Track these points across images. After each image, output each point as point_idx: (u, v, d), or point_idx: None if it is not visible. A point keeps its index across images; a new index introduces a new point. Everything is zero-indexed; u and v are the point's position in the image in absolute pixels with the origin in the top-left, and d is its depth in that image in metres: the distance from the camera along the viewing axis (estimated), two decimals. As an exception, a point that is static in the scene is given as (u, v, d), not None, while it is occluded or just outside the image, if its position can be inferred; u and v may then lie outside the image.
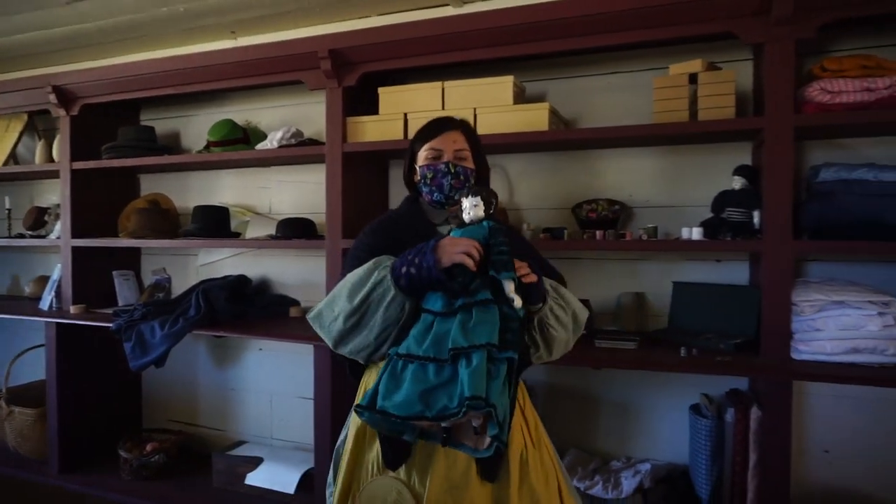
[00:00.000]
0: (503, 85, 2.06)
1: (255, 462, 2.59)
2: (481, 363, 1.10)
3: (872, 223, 1.73)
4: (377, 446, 1.35)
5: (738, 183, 1.95)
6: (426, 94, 2.16)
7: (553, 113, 2.07)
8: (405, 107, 2.19)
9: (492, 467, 1.30)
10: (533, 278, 1.23)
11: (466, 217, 1.27)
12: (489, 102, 2.07)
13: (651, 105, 1.92)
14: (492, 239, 1.23)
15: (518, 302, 1.18)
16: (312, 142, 2.43)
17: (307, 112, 2.70)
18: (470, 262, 1.19)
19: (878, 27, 1.91)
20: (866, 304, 1.71)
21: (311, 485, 2.38)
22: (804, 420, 2.03)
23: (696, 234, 1.91)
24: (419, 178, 1.50)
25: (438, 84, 2.14)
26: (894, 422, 1.95)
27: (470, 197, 1.27)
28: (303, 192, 2.74)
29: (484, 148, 1.55)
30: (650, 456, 2.21)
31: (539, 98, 2.31)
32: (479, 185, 1.52)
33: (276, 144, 2.41)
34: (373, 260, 1.30)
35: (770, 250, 1.76)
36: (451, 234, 1.28)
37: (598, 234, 2.03)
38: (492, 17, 1.96)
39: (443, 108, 2.13)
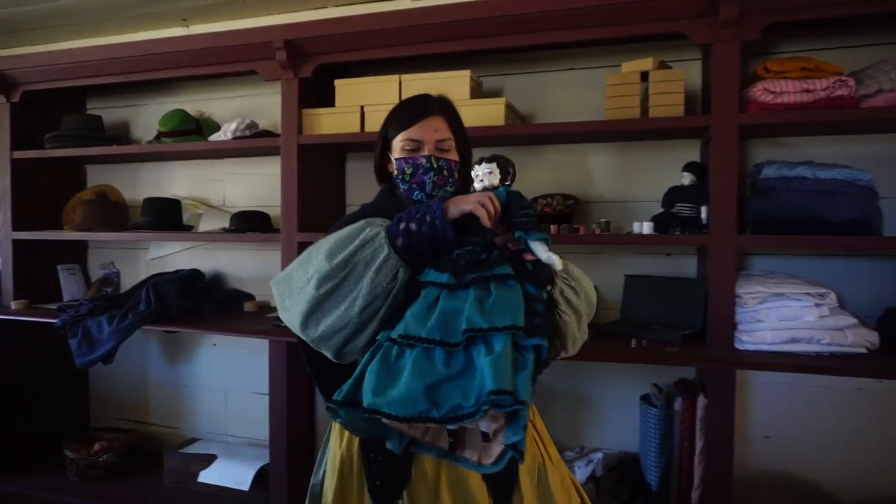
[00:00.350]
0: (460, 79, 2.07)
1: (209, 459, 2.54)
2: (506, 349, 0.88)
3: (810, 219, 1.81)
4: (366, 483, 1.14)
5: (687, 179, 2.01)
6: (383, 87, 2.15)
7: (509, 108, 2.09)
8: (362, 99, 2.17)
9: (506, 489, 1.13)
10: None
11: (479, 185, 1.12)
12: (447, 96, 2.07)
13: (605, 101, 1.96)
14: (512, 203, 1.02)
15: (559, 263, 0.95)
16: (267, 133, 2.39)
17: (262, 103, 2.65)
18: (483, 213, 0.97)
19: (816, 30, 1.99)
20: (804, 296, 1.79)
21: (266, 481, 2.35)
22: (747, 407, 2.12)
23: (646, 228, 1.96)
24: (396, 171, 1.29)
25: (395, 77, 2.13)
26: (829, 408, 2.05)
27: (483, 164, 1.13)
28: (257, 184, 2.69)
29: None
30: (603, 445, 2.27)
31: (496, 93, 2.33)
32: (463, 179, 1.35)
33: (229, 136, 2.36)
34: (363, 220, 1.05)
35: (715, 244, 1.82)
36: None
37: (553, 228, 2.06)
38: (449, 11, 1.97)
39: (400, 102, 2.13)
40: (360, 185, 2.53)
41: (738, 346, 1.82)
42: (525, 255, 1.00)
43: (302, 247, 2.21)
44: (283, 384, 2.23)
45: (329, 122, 2.21)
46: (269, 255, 2.68)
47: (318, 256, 1.01)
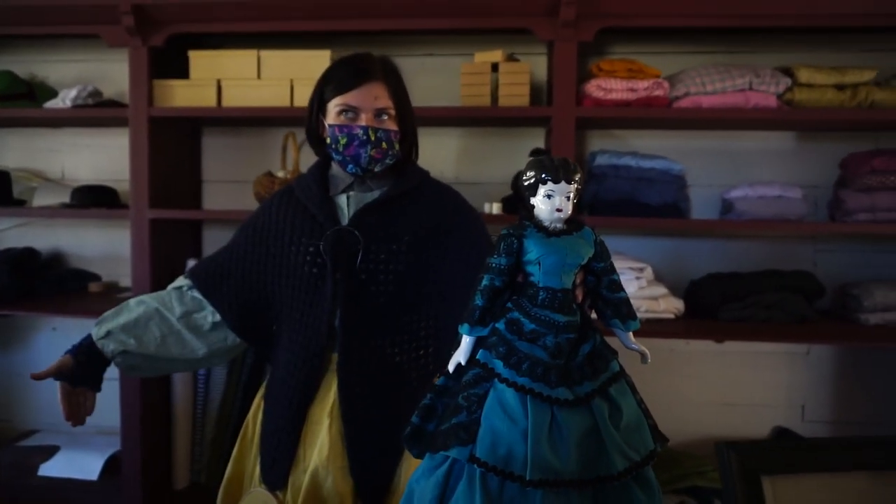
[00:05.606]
0: (321, 58, 2.08)
1: (50, 451, 2.38)
2: (654, 481, 0.77)
3: (633, 202, 2.07)
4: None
5: (533, 164, 2.19)
6: (241, 61, 2.11)
7: (370, 90, 2.14)
8: (218, 73, 2.11)
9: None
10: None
11: (553, 216, 0.77)
12: (306, 74, 2.07)
13: (459, 88, 2.08)
14: (601, 261, 0.83)
15: (648, 355, 0.85)
16: (113, 103, 2.25)
17: (107, 70, 2.46)
18: None
19: (641, 36, 2.25)
20: (627, 270, 2.04)
21: (117, 469, 2.26)
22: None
23: (496, 209, 2.13)
24: (329, 140, 1.24)
25: (254, 52, 2.10)
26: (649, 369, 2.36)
27: (561, 181, 0.75)
28: (103, 157, 2.51)
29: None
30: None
31: (358, 74, 2.36)
32: (406, 149, 1.32)
33: (68, 103, 2.18)
34: None
35: (555, 224, 2.02)
36: (530, 250, 0.78)
37: (412, 207, 2.16)
38: (309, -10, 1.97)
39: (258, 77, 2.10)
40: (217, 161, 2.47)
41: (573, 315, 2.04)
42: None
43: (154, 224, 2.13)
44: (134, 367, 2.14)
45: (183, 95, 2.12)
46: (117, 233, 2.52)
47: None
